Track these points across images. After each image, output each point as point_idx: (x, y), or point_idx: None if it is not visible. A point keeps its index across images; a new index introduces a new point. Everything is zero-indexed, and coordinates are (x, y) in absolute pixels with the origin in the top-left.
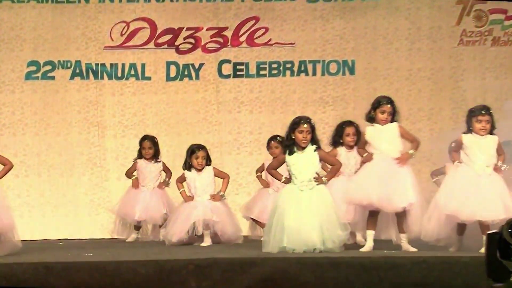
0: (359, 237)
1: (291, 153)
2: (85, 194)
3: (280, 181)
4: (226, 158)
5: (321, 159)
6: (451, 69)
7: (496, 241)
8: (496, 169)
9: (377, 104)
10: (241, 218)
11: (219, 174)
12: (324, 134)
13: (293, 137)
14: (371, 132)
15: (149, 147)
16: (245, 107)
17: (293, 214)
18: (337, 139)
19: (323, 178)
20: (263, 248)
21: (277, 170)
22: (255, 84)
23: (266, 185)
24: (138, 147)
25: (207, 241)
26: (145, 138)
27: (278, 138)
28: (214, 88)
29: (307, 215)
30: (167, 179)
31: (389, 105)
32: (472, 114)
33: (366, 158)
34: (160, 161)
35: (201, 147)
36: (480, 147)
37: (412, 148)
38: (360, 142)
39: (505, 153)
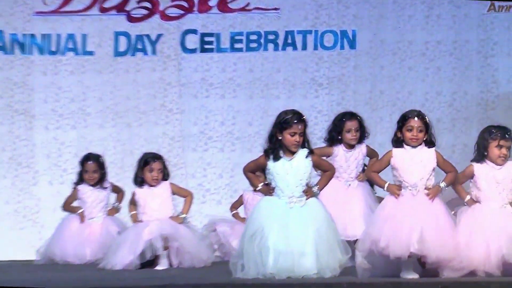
0: (359, 258)
1: (276, 158)
2: (6, 202)
3: (255, 189)
4: (190, 156)
5: (314, 166)
6: (479, 42)
7: None
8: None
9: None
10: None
11: (179, 191)
12: (317, 126)
13: (280, 138)
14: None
15: (94, 170)
16: (215, 91)
17: (279, 234)
18: (335, 136)
19: (314, 189)
20: (235, 273)
21: (255, 174)
22: (229, 61)
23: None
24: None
25: (163, 264)
26: (88, 158)
27: None
28: (175, 66)
29: (298, 235)
30: (117, 203)
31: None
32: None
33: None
34: (107, 187)
35: (157, 157)
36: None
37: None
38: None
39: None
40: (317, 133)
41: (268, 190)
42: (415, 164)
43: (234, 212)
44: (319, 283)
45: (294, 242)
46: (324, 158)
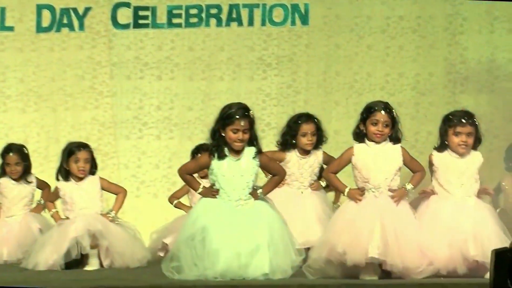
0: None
1: (221, 157)
2: None
3: (195, 191)
4: (122, 144)
5: (261, 168)
6: (446, 18)
7: (508, 263)
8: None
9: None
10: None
11: (109, 187)
12: (265, 110)
13: (223, 134)
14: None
15: (16, 163)
16: (151, 71)
17: (225, 234)
18: (289, 140)
19: (259, 192)
20: (172, 275)
21: (193, 176)
22: (166, 38)
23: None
24: None
25: (93, 264)
26: (9, 149)
27: None
28: (105, 44)
29: (248, 235)
30: (42, 200)
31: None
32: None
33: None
34: (32, 182)
35: (83, 146)
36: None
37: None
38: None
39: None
40: (265, 119)
41: (211, 192)
42: (379, 162)
43: (176, 202)
44: (267, 285)
45: (244, 243)
46: None
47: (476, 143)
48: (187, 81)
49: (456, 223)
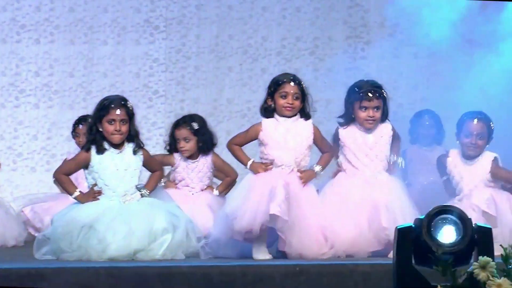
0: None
1: (100, 151)
2: None
3: (71, 195)
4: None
5: (144, 163)
6: None
7: (410, 242)
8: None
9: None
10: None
11: None
12: (152, 77)
13: (101, 129)
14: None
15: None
16: (28, 34)
17: (118, 220)
18: (173, 143)
19: (143, 192)
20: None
21: (70, 178)
22: None
23: None
24: None
25: None
26: None
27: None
28: None
29: (144, 220)
30: None
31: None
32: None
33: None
34: None
35: None
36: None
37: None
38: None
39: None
40: (153, 86)
41: (92, 195)
42: (289, 139)
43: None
44: (155, 266)
45: (140, 227)
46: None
47: (384, 115)
48: (68, 45)
49: (367, 197)
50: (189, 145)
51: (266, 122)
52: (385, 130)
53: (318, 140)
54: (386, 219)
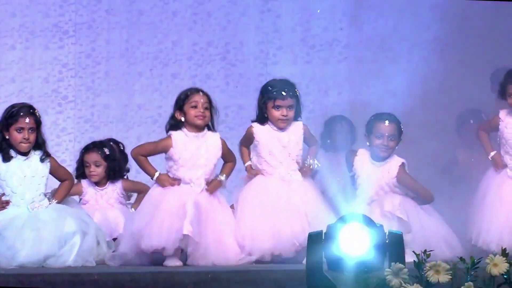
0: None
1: (6, 159)
2: None
3: None
4: None
5: (52, 172)
6: None
7: (322, 249)
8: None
9: None
10: None
11: None
12: (62, 82)
13: (8, 137)
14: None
15: None
16: None
17: (26, 226)
18: (80, 169)
19: (51, 200)
20: None
21: None
22: None
23: None
24: None
25: None
26: None
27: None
28: None
29: (53, 226)
30: None
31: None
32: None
33: None
34: None
35: None
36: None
37: None
38: None
39: None
40: (62, 92)
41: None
42: (200, 156)
43: None
44: (66, 273)
45: (50, 233)
46: None
47: (297, 114)
48: None
49: (284, 197)
50: (99, 169)
51: (177, 138)
52: (297, 128)
53: (225, 152)
54: (301, 224)
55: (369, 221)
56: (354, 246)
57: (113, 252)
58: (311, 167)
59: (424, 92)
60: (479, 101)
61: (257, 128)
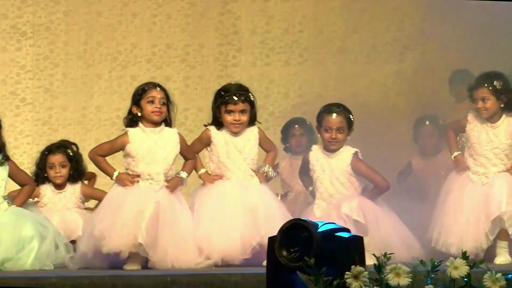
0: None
1: None
2: None
3: None
4: None
5: (11, 176)
6: None
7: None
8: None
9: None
10: None
11: None
12: (19, 84)
13: None
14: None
15: None
16: None
17: None
18: (40, 173)
19: (10, 204)
20: None
21: None
22: None
23: None
24: None
25: None
26: None
27: None
28: None
29: (15, 230)
30: None
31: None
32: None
33: None
34: None
35: None
36: None
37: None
38: None
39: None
40: (20, 94)
41: None
42: (157, 151)
43: None
44: (24, 277)
45: (7, 237)
46: None
47: (253, 119)
48: None
49: (243, 200)
50: (64, 170)
51: (133, 133)
52: (252, 133)
53: (184, 148)
54: (259, 228)
55: (309, 228)
56: (291, 254)
57: (71, 255)
58: (265, 174)
59: (385, 93)
60: (438, 103)
61: (214, 131)
